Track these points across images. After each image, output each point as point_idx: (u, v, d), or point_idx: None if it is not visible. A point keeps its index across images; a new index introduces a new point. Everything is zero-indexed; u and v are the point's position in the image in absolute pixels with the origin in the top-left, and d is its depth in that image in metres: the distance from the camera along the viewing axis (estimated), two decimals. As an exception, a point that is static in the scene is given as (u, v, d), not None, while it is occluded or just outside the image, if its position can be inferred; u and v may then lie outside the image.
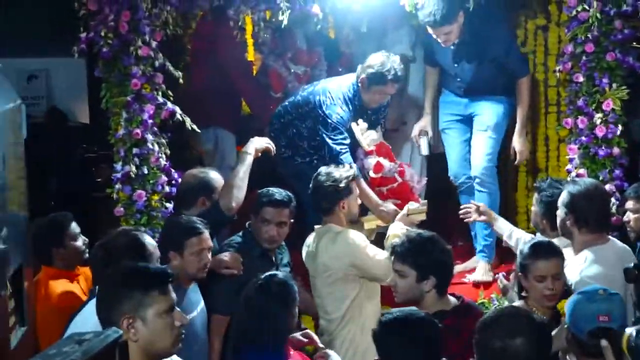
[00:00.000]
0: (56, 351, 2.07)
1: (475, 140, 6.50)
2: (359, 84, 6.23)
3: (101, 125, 9.72)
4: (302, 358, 4.41)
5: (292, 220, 5.39)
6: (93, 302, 3.83)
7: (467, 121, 6.59)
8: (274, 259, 5.44)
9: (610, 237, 4.81)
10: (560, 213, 4.72)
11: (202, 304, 4.96)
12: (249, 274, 4.75)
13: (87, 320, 3.67)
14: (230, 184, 5.30)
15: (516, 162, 6.63)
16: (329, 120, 6.14)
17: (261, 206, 5.34)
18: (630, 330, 2.66)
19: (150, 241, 4.18)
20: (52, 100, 10.90)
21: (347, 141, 6.14)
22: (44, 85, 11.13)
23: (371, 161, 6.15)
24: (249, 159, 5.43)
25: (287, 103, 6.48)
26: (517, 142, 6.48)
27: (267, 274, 4.43)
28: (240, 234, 5.48)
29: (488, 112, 6.45)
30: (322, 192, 5.39)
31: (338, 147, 6.06)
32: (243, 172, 5.35)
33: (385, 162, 6.15)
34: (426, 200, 5.99)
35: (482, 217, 5.58)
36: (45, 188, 9.12)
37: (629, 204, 5.24)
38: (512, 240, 5.33)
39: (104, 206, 7.46)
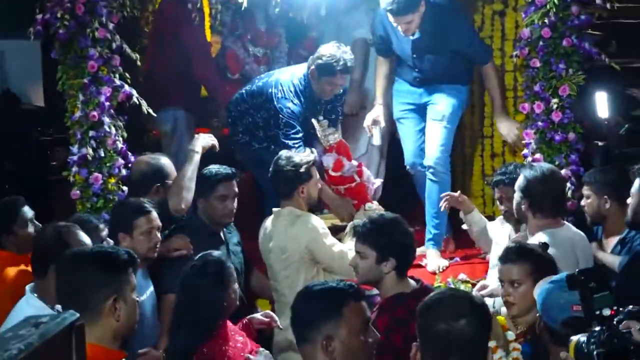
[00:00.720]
0: (12, 334, 2.04)
1: (429, 129, 6.42)
2: (309, 75, 6.17)
3: (56, 108, 9.67)
4: (242, 335, 4.44)
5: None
6: (28, 301, 3.88)
7: (422, 110, 6.54)
8: (223, 237, 5.47)
9: (565, 222, 4.86)
10: (516, 197, 4.77)
11: (151, 288, 4.99)
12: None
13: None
14: (179, 185, 5.36)
15: (514, 147, 6.58)
16: (280, 115, 6.11)
17: (215, 184, 5.38)
18: (578, 337, 2.66)
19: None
20: (5, 82, 10.77)
21: (300, 135, 6.10)
22: (-2, 66, 11.00)
23: (331, 159, 6.08)
24: (197, 158, 5.49)
25: (243, 91, 6.45)
26: (502, 126, 6.43)
27: (202, 253, 4.55)
28: (186, 217, 5.49)
29: (444, 102, 6.39)
30: (282, 176, 5.39)
31: (291, 142, 6.02)
32: (191, 172, 5.41)
33: (345, 161, 6.09)
34: (376, 204, 6.05)
35: (460, 205, 5.59)
36: (0, 171, 9.05)
37: (585, 190, 5.31)
38: (482, 234, 5.35)
39: (59, 189, 7.40)
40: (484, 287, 5.00)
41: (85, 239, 4.18)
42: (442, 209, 5.78)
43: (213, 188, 5.38)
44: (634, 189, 5.00)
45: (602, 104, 6.50)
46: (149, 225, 4.88)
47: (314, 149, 5.80)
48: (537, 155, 5.89)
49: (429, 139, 6.39)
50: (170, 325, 4.57)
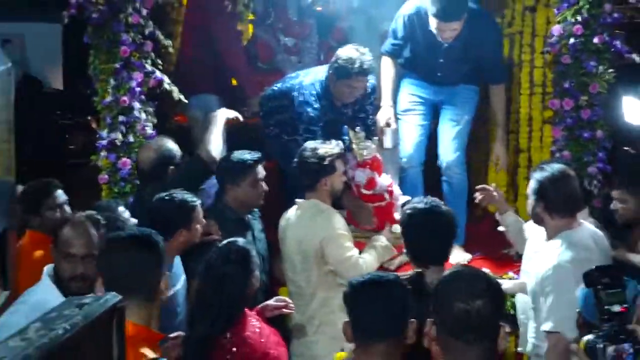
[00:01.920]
0: (57, 314, 2.06)
1: (446, 130, 6.33)
2: (329, 78, 6.10)
3: (75, 93, 9.73)
4: (258, 320, 4.45)
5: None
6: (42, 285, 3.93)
7: (431, 107, 6.46)
8: (249, 224, 5.48)
9: (582, 221, 4.83)
10: (530, 200, 4.73)
11: (184, 277, 4.99)
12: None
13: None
14: (209, 138, 5.47)
15: (498, 169, 6.50)
16: (300, 120, 6.07)
17: (245, 170, 5.38)
18: (588, 337, 2.68)
19: None
20: (25, 66, 10.75)
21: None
22: (18, 50, 10.98)
23: (363, 175, 5.92)
24: (220, 121, 5.68)
25: (275, 87, 6.40)
26: (500, 150, 6.38)
27: (227, 240, 4.54)
28: (212, 203, 5.52)
29: (461, 103, 6.33)
30: (306, 167, 5.38)
31: None
32: (216, 132, 5.58)
33: (377, 179, 5.95)
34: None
35: (494, 201, 5.53)
36: (19, 155, 9.05)
37: (622, 194, 5.27)
38: (519, 235, 5.32)
39: (77, 173, 7.44)
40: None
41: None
42: (476, 201, 5.70)
43: (244, 173, 5.38)
44: None
45: (631, 109, 6.45)
46: (199, 217, 4.95)
47: (339, 142, 5.75)
48: (565, 153, 5.88)
49: (446, 139, 6.31)
50: (191, 313, 4.55)
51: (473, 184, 6.22)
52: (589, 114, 5.85)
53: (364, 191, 5.88)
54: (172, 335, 4.08)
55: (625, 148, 6.68)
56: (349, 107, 6.26)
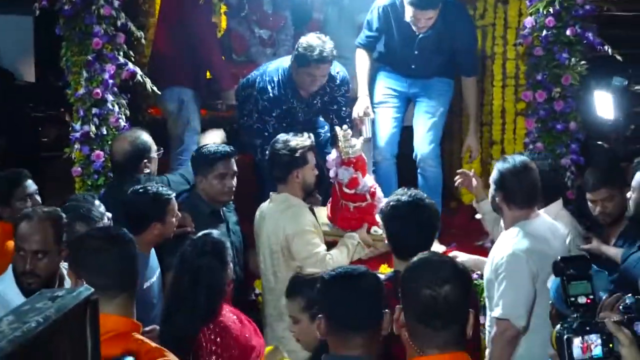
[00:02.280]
0: (29, 307, 2.05)
1: (421, 123, 6.32)
2: (292, 67, 6.06)
3: (48, 85, 9.66)
4: (235, 314, 4.44)
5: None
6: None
7: (405, 99, 6.46)
8: (223, 216, 5.47)
9: (539, 212, 4.87)
10: (491, 190, 4.78)
11: (159, 270, 4.98)
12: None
13: None
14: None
15: (470, 161, 6.55)
16: (259, 101, 6.09)
17: (214, 162, 5.38)
18: (556, 328, 2.70)
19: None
20: (-3, 58, 10.66)
21: (275, 123, 6.09)
22: (-12, 42, 10.88)
23: (347, 174, 5.66)
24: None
25: (249, 76, 6.40)
26: (473, 141, 6.41)
27: (202, 232, 4.50)
28: (186, 195, 5.52)
29: (436, 97, 6.32)
30: (277, 160, 5.36)
31: (266, 127, 6.07)
32: None
33: (361, 179, 5.69)
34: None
35: (471, 188, 5.53)
36: (-5, 147, 9.01)
37: (608, 191, 5.29)
38: (495, 223, 5.35)
39: (51, 166, 7.39)
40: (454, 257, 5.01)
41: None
42: (455, 184, 5.71)
43: (212, 166, 5.39)
44: (635, 183, 5.03)
45: (602, 103, 6.48)
46: (174, 211, 4.96)
47: (311, 135, 5.67)
48: (538, 144, 5.91)
49: (420, 132, 6.30)
50: (167, 306, 4.46)
51: (447, 176, 6.26)
52: (562, 106, 5.88)
53: (346, 190, 5.71)
54: (147, 328, 4.06)
55: (599, 142, 6.72)
56: (318, 98, 6.22)
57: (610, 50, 5.89)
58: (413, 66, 6.31)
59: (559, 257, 2.91)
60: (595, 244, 5.24)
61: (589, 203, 5.38)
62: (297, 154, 5.31)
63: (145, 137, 5.56)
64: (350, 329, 3.24)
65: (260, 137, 6.08)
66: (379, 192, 5.73)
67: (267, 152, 5.51)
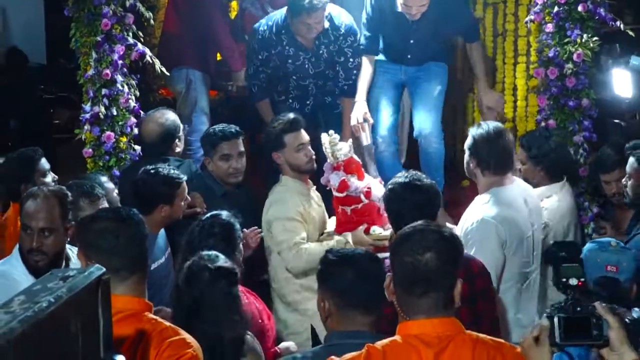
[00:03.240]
0: (41, 287, 2.05)
1: (420, 102, 6.29)
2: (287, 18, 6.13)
3: (59, 66, 9.66)
4: (247, 296, 4.44)
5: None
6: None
7: (402, 87, 6.45)
8: (235, 198, 5.45)
9: (515, 178, 4.87)
10: (465, 156, 4.81)
11: (169, 250, 4.98)
12: None
13: None
14: None
15: (495, 118, 6.31)
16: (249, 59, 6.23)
17: (217, 143, 5.41)
18: (547, 309, 2.72)
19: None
20: (7, 39, 10.67)
21: (261, 66, 6.24)
22: (0, 23, 10.90)
23: (337, 178, 5.43)
24: None
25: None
26: (488, 98, 6.35)
27: (210, 213, 4.52)
28: (199, 175, 5.54)
29: (434, 77, 6.30)
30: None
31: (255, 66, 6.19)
32: None
33: (351, 181, 5.40)
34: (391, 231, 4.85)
35: None
36: (5, 129, 9.03)
37: (617, 174, 5.27)
38: None
39: (63, 148, 7.41)
40: None
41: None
42: None
43: (215, 147, 5.43)
44: (630, 169, 5.01)
45: (620, 81, 6.42)
46: (184, 194, 4.99)
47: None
48: (550, 121, 5.88)
49: (421, 111, 6.28)
50: (177, 287, 4.50)
51: (459, 155, 6.24)
52: (574, 83, 5.84)
53: (337, 194, 5.45)
54: (155, 309, 4.06)
55: (615, 121, 6.67)
56: (323, 48, 6.21)
57: (622, 26, 5.84)
58: (409, 56, 6.27)
59: (552, 242, 2.94)
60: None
61: (603, 184, 5.36)
62: (272, 137, 5.36)
63: (173, 116, 5.65)
64: (353, 309, 3.30)
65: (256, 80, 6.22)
66: (375, 193, 5.40)
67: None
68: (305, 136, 5.41)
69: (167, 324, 3.14)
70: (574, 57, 5.80)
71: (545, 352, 2.58)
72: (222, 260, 3.83)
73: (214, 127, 5.57)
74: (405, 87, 6.47)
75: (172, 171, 4.95)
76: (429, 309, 2.80)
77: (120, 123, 5.89)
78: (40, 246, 4.04)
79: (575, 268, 2.70)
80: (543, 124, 5.92)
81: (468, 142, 4.78)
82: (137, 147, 5.93)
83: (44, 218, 4.05)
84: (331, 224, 5.59)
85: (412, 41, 6.16)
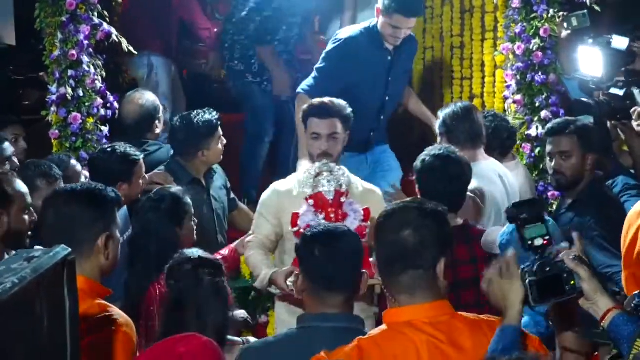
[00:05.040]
0: (5, 268, 2.03)
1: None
2: None
3: (29, 48, 9.56)
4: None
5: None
6: None
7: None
8: (204, 183, 5.43)
9: (490, 157, 4.93)
10: (438, 138, 4.88)
11: (130, 230, 4.96)
12: None
13: None
14: None
15: None
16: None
17: (210, 135, 5.37)
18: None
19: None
20: (-26, 21, 10.53)
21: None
22: (-36, 4, 10.73)
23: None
24: None
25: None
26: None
27: (160, 187, 4.63)
28: (165, 165, 5.46)
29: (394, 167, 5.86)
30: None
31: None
32: None
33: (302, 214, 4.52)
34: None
35: None
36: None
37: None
38: None
39: (33, 129, 7.33)
40: None
41: (23, 187, 4.05)
42: None
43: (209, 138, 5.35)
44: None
45: (586, 59, 6.37)
46: (141, 172, 5.00)
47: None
48: (518, 97, 5.91)
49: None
50: (127, 261, 4.44)
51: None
52: (541, 58, 5.86)
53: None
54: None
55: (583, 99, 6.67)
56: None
57: (588, 1, 5.86)
58: (382, 116, 5.80)
59: (511, 203, 2.94)
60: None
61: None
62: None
63: (152, 96, 5.70)
64: (328, 287, 3.26)
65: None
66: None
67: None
68: (324, 127, 4.69)
69: (98, 301, 3.09)
70: (541, 32, 5.82)
71: (517, 287, 2.61)
72: (203, 253, 3.79)
73: (195, 118, 5.30)
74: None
75: (129, 149, 4.97)
76: (409, 287, 2.78)
77: (86, 104, 5.84)
78: None
79: (539, 227, 2.68)
80: (510, 100, 5.94)
81: (438, 122, 4.84)
82: (104, 128, 5.90)
83: None
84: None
85: (390, 78, 5.67)
